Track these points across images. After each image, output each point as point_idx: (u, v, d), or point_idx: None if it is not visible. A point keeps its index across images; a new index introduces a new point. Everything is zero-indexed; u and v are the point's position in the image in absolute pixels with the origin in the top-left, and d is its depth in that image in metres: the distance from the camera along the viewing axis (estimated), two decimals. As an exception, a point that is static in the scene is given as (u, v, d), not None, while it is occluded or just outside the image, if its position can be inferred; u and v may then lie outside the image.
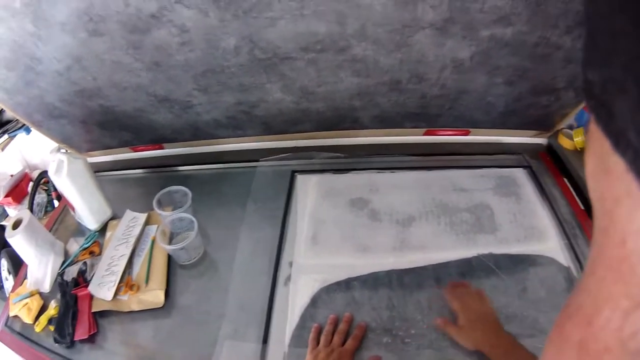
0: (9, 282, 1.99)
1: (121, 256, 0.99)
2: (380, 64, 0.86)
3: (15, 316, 1.00)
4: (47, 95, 1.01)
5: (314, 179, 1.06)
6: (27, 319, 0.97)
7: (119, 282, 0.94)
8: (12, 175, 1.68)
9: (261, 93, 0.95)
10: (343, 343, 0.75)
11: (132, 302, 0.91)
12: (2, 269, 2.08)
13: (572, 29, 0.76)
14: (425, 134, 1.07)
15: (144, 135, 1.14)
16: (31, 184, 1.62)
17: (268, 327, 0.80)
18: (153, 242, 1.00)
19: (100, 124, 1.08)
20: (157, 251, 0.98)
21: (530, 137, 1.10)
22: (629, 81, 0.17)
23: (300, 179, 1.07)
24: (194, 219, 0.92)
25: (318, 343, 0.75)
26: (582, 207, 0.97)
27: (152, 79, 0.92)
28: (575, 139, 1.05)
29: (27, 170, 1.72)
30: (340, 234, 0.92)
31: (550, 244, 0.89)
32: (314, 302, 0.82)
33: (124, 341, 0.88)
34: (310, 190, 1.04)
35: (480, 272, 0.84)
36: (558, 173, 1.05)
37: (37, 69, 0.91)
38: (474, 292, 0.77)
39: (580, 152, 1.06)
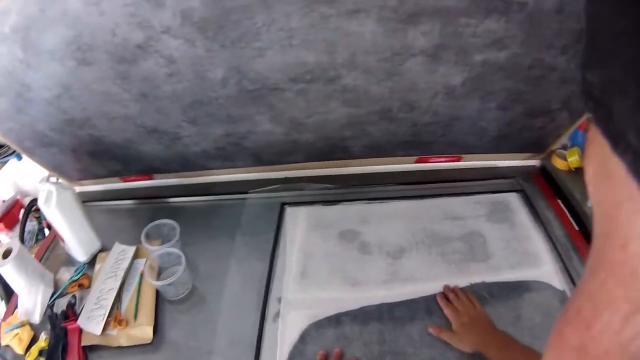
0: (0, 308, 1.98)
1: (110, 290, 0.98)
2: (370, 93, 0.85)
3: (7, 345, 0.99)
4: (37, 123, 1.00)
5: (303, 210, 1.05)
6: (19, 350, 0.95)
7: (108, 317, 0.93)
8: (4, 201, 1.67)
9: (250, 124, 0.94)
10: None
11: (120, 337, 0.90)
12: (-8, 295, 2.07)
13: (567, 48, 0.75)
14: (417, 161, 1.06)
15: (133, 166, 1.13)
16: (22, 210, 1.62)
17: (256, 366, 0.79)
18: (142, 276, 0.99)
19: (90, 153, 1.08)
20: (146, 285, 0.97)
21: (524, 159, 1.08)
22: (629, 82, 0.17)
23: (289, 211, 1.06)
24: (181, 253, 0.91)
25: None
26: (577, 229, 0.96)
27: (140, 110, 0.91)
28: (569, 159, 1.04)
29: (18, 197, 1.71)
30: (330, 268, 0.91)
31: (544, 269, 0.88)
32: (303, 338, 0.81)
33: (113, 376, 0.86)
34: (299, 222, 1.02)
35: (472, 302, 0.83)
36: (552, 195, 1.04)
37: (27, 96, 0.90)
38: (465, 297, 0.81)
39: (574, 173, 1.05)
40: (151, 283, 0.90)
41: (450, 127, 0.94)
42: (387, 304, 0.83)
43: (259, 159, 1.09)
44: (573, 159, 1.03)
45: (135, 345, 0.88)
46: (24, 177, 1.74)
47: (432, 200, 1.00)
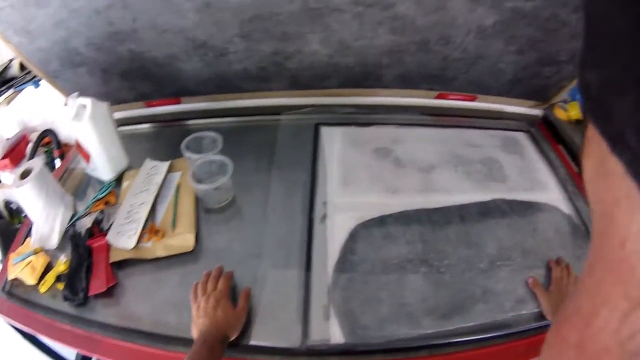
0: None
1: (142, 204, 0.96)
2: (416, 24, 0.92)
3: (15, 280, 0.91)
4: (74, 38, 0.97)
5: (338, 130, 1.12)
6: (31, 280, 0.89)
7: (142, 230, 0.91)
8: (7, 139, 1.57)
9: (300, 44, 0.98)
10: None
11: (157, 248, 0.87)
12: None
13: (578, 9, 0.86)
14: (437, 97, 1.15)
15: (165, 87, 1.11)
16: (30, 145, 1.54)
17: (309, 262, 0.82)
18: (178, 187, 0.98)
19: (122, 73, 1.06)
20: (183, 196, 0.96)
21: (528, 107, 1.20)
22: (628, 82, 0.17)
23: (324, 130, 1.12)
24: (227, 160, 0.92)
25: None
26: (577, 171, 1.06)
27: (197, 22, 0.91)
28: (570, 112, 1.17)
29: (25, 133, 1.61)
30: (369, 177, 0.98)
31: (553, 195, 0.99)
32: (352, 236, 0.85)
33: (147, 290, 0.83)
34: (335, 140, 1.09)
35: (496, 213, 0.93)
36: (554, 140, 1.15)
37: (73, 6, 0.88)
38: (573, 274, 0.81)
39: (574, 124, 1.18)
40: (196, 187, 0.90)
41: (474, 65, 1.04)
42: (425, 209, 0.90)
43: (295, 82, 1.12)
44: (574, 112, 1.16)
45: (172, 256, 0.86)
46: (31, 113, 1.66)
47: (453, 130, 1.11)
